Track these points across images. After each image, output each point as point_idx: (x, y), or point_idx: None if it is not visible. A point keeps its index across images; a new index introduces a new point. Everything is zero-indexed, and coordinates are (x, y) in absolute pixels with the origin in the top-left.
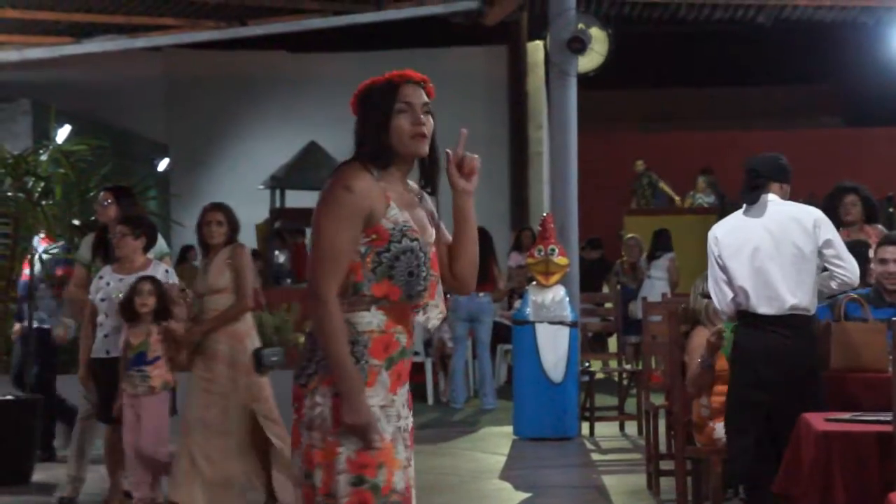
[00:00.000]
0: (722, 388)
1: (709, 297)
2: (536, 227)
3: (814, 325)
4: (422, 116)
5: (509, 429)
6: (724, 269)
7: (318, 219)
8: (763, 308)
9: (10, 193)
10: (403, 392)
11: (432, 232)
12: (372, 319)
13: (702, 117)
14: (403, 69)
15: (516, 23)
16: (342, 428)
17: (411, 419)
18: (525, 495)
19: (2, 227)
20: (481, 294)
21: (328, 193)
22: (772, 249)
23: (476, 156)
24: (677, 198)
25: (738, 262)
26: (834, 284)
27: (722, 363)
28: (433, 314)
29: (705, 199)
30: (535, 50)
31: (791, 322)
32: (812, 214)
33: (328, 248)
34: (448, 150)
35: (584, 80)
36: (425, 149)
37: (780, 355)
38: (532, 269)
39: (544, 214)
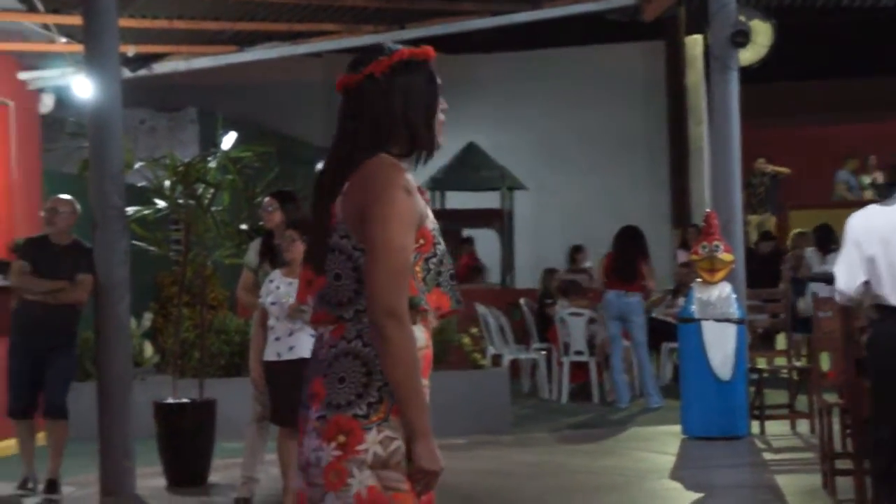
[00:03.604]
0: None
1: None
2: (699, 223)
3: None
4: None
5: (677, 428)
6: (859, 253)
7: (380, 227)
8: (894, 299)
9: (181, 200)
10: None
11: None
12: (420, 335)
13: (864, 108)
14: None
15: (674, 17)
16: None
17: None
18: (696, 495)
19: (174, 233)
20: (630, 293)
21: (388, 198)
22: None
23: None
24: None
25: (874, 251)
26: None
27: None
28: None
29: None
30: (694, 44)
31: None
32: None
33: (398, 260)
34: None
35: (743, 74)
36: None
37: None
38: (697, 266)
39: (707, 211)
